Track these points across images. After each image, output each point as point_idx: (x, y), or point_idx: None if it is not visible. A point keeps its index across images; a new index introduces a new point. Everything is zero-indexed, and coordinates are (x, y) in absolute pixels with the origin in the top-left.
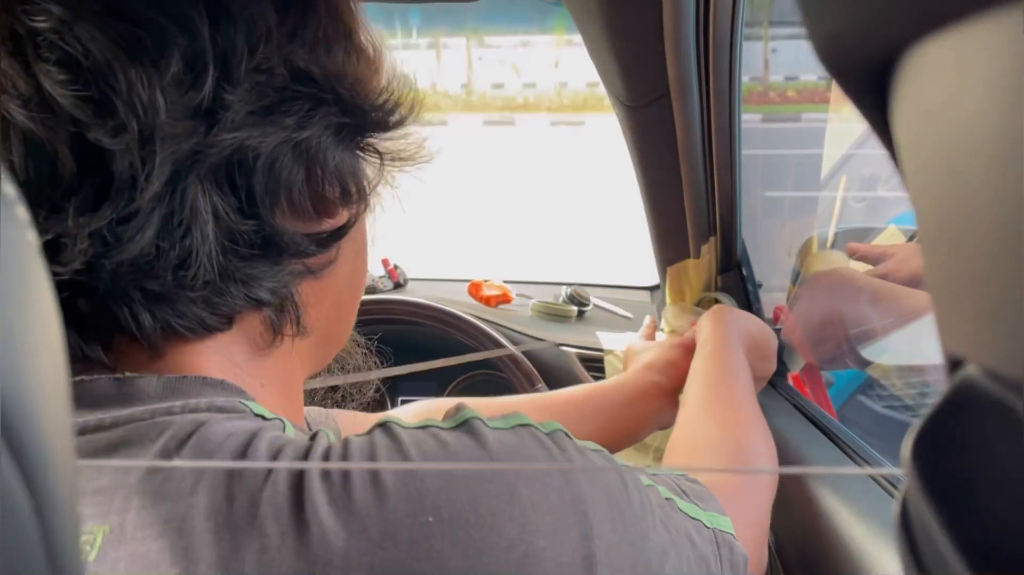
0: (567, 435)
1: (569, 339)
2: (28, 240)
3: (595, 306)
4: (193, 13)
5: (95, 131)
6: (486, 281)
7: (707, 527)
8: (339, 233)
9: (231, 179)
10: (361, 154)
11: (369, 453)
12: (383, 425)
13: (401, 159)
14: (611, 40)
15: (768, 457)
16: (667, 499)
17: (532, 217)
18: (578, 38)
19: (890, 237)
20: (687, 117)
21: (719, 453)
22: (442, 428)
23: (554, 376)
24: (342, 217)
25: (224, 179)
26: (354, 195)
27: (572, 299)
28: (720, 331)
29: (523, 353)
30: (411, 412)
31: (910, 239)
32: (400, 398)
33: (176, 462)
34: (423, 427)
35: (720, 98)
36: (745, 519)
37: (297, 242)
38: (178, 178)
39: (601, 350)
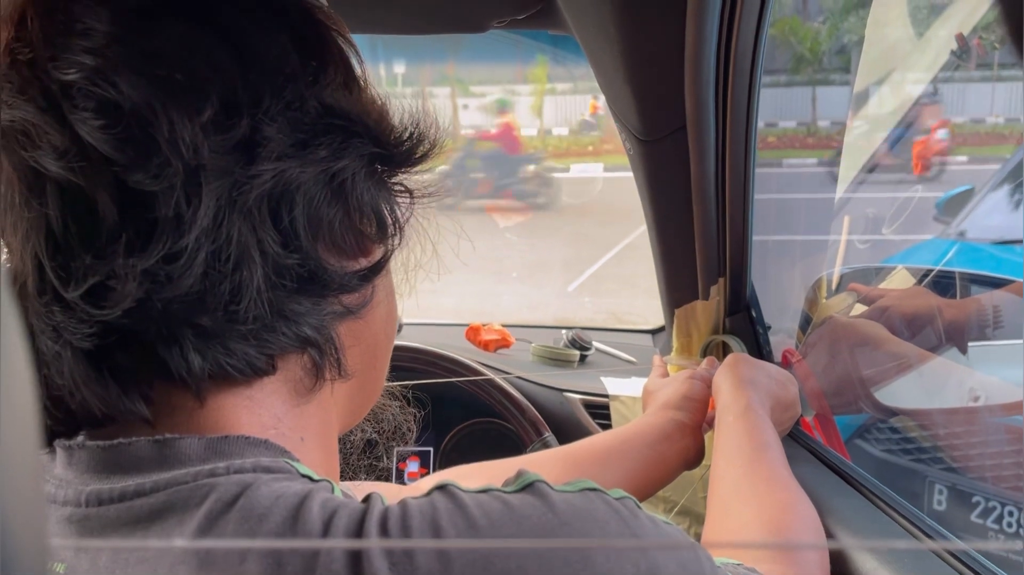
0: (636, 503)
1: (572, 385)
2: None
3: (597, 350)
4: (223, 56)
5: (135, 173)
6: (485, 325)
7: None
8: (377, 267)
9: (274, 212)
10: (390, 192)
11: (431, 517)
12: (442, 487)
13: (428, 195)
14: (629, 68)
15: (816, 540)
16: None
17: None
18: (561, 86)
19: (901, 280)
20: (702, 151)
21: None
22: (505, 491)
23: (558, 424)
24: (377, 254)
25: (267, 213)
26: (389, 230)
27: (573, 343)
28: (742, 398)
29: (526, 399)
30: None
31: (920, 281)
32: (396, 449)
33: (211, 541)
34: (484, 491)
35: (736, 131)
36: None
37: (340, 276)
38: (223, 213)
39: (607, 396)
